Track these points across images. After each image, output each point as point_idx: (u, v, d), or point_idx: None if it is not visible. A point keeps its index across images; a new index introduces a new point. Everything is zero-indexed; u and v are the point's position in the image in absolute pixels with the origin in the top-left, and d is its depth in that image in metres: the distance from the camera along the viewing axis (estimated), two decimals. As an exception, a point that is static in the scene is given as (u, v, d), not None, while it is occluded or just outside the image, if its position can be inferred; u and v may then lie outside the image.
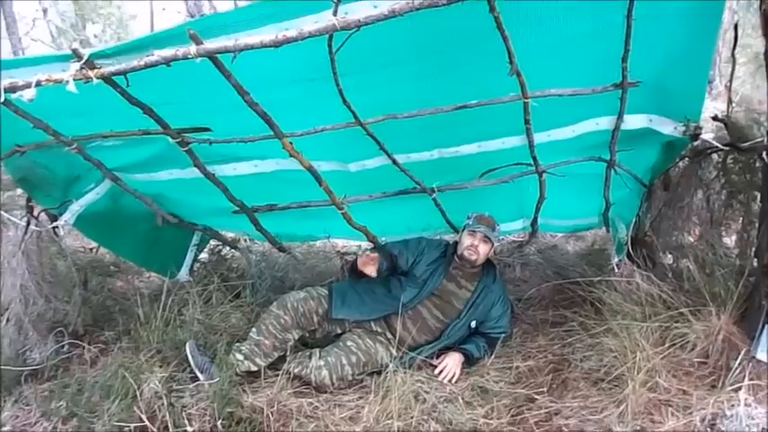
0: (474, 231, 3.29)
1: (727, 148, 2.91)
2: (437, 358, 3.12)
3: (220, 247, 4.50)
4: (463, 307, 3.25)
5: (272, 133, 2.75)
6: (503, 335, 3.30)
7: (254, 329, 3.07)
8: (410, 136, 2.97)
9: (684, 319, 2.73)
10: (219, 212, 3.76)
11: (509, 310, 3.45)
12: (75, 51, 2.12)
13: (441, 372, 3.02)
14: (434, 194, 3.45)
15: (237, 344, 3.08)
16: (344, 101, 2.51)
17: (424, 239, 3.51)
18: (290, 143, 2.86)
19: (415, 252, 3.40)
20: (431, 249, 3.42)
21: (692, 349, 2.62)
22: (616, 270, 3.31)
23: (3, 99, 2.18)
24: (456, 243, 3.44)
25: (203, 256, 4.53)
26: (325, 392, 2.91)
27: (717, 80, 10.89)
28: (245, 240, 4.63)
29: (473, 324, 3.25)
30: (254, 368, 2.97)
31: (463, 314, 3.23)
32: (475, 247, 3.27)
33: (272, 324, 3.04)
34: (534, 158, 3.11)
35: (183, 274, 4.22)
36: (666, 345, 2.66)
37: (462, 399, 2.78)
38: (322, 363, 2.92)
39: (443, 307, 3.23)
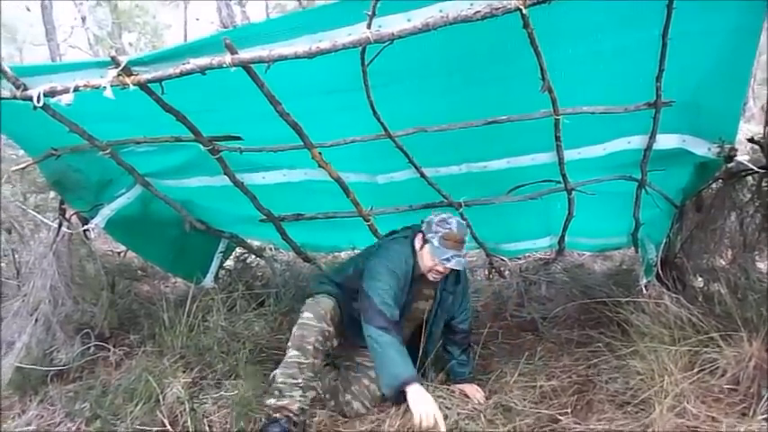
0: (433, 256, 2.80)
1: (762, 171, 2.85)
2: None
3: (246, 254, 4.54)
4: (429, 316, 3.01)
5: (302, 143, 2.78)
6: (468, 321, 3.19)
7: (296, 352, 2.67)
8: (439, 150, 2.97)
9: (714, 343, 2.67)
10: (246, 220, 3.79)
11: (468, 302, 3.25)
12: (113, 58, 2.17)
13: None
14: (461, 209, 3.44)
15: (287, 380, 2.64)
16: (375, 113, 2.52)
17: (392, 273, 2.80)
18: (320, 153, 2.89)
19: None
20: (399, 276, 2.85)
21: (722, 375, 2.55)
22: (644, 291, 3.25)
23: (42, 103, 2.24)
24: (413, 248, 2.90)
25: (229, 263, 4.57)
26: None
27: (751, 102, 10.72)
28: (271, 249, 4.66)
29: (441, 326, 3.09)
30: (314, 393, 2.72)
31: (432, 324, 3.01)
32: (441, 274, 2.87)
33: (318, 340, 2.71)
34: (564, 176, 3.08)
35: (209, 281, 4.26)
36: (695, 369, 2.60)
37: (485, 416, 2.74)
38: (350, 396, 2.83)
39: (415, 322, 3.05)
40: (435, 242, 2.76)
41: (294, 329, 2.75)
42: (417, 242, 2.87)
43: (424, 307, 3.02)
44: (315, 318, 2.74)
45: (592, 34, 2.34)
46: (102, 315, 3.55)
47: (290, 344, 2.72)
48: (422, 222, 2.91)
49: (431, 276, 2.86)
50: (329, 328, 2.77)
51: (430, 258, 2.80)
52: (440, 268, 2.80)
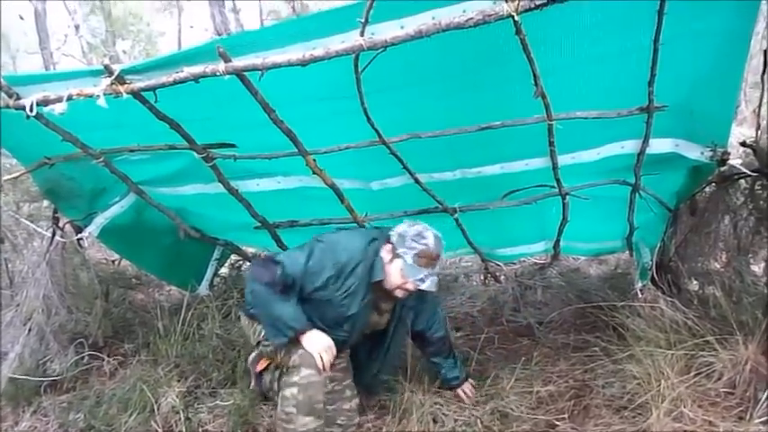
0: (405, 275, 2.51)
1: (755, 175, 2.87)
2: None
3: (241, 262, 4.52)
4: (387, 335, 2.84)
5: (297, 150, 2.78)
6: (443, 327, 3.01)
7: (308, 418, 2.39)
8: (433, 155, 2.97)
9: (710, 347, 2.68)
10: (241, 227, 3.78)
11: (438, 309, 3.04)
12: (106, 67, 2.16)
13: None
14: (456, 214, 3.43)
15: None
16: (369, 119, 2.52)
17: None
18: (314, 160, 2.88)
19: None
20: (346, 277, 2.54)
21: (719, 379, 2.57)
22: (640, 295, 3.26)
23: (35, 112, 2.23)
24: (375, 254, 2.57)
25: (223, 270, 4.55)
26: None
27: (743, 105, 10.78)
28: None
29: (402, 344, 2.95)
30: None
31: (390, 343, 2.85)
32: (409, 292, 2.58)
33: (325, 391, 2.48)
34: (558, 180, 3.08)
35: (203, 289, 4.24)
36: (692, 373, 2.61)
37: (481, 423, 2.74)
38: (339, 430, 2.64)
39: (366, 334, 2.85)
40: (409, 259, 2.48)
41: (293, 391, 2.39)
42: (386, 254, 2.56)
43: (380, 321, 2.79)
44: (316, 372, 2.40)
45: (584, 40, 2.34)
46: (96, 324, 3.54)
47: (293, 408, 2.38)
48: (391, 233, 2.61)
49: (397, 293, 2.58)
50: (329, 372, 2.51)
51: (400, 276, 2.51)
52: (410, 287, 2.53)
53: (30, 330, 3.24)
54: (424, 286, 2.48)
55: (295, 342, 2.43)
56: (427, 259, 2.49)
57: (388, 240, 2.58)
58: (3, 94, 2.37)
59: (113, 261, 4.70)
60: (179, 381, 3.05)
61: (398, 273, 2.51)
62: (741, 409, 2.43)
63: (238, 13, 12.74)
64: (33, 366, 3.20)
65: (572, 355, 3.32)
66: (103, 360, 3.38)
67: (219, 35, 10.94)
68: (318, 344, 2.43)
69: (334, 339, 2.49)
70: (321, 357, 2.40)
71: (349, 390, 2.72)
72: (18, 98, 2.34)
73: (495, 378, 3.14)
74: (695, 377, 2.59)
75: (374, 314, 2.74)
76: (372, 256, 2.56)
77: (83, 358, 3.37)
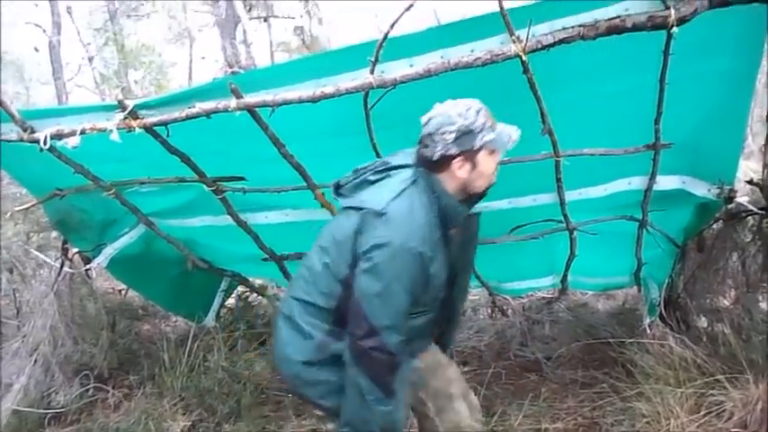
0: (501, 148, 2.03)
1: (762, 212, 2.87)
2: None
3: (248, 293, 4.52)
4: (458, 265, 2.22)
5: (306, 184, 2.80)
6: None
7: None
8: (440, 190, 2.98)
9: (720, 385, 2.65)
10: (248, 259, 3.79)
11: None
12: (120, 102, 2.20)
13: None
14: (463, 248, 3.43)
15: None
16: (378, 155, 2.54)
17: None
18: (323, 194, 2.91)
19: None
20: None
21: (729, 418, 2.53)
22: (648, 331, 3.23)
23: (48, 145, 2.27)
24: (431, 186, 1.98)
25: (230, 301, 4.55)
26: None
27: (750, 139, 10.79)
28: (273, 287, 4.64)
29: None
30: None
31: (460, 274, 2.29)
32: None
33: None
34: (565, 216, 3.09)
35: (210, 320, 4.23)
36: (702, 412, 2.58)
37: (489, 461, 2.70)
38: None
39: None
40: (490, 135, 1.94)
41: None
42: (461, 170, 1.97)
43: (452, 253, 2.14)
44: None
45: (591, 78, 2.38)
46: (101, 355, 3.53)
47: None
48: (442, 151, 1.93)
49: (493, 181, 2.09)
50: None
51: (492, 160, 2.01)
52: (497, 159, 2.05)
53: (35, 361, 3.24)
54: (516, 135, 2.01)
55: None
56: (491, 117, 1.98)
57: (449, 159, 1.96)
58: (17, 128, 2.41)
59: (120, 291, 4.71)
60: (184, 414, 3.03)
61: (490, 159, 2.00)
62: (753, 450, 2.39)
63: (249, 45, 12.94)
64: (38, 398, 3.18)
65: (580, 392, 3.28)
66: (108, 392, 3.36)
67: (230, 66, 11.12)
68: None
69: (434, 308, 2.12)
70: None
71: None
72: (32, 131, 2.38)
73: (503, 414, 3.10)
74: (705, 416, 2.55)
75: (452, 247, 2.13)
76: (436, 201, 2.00)
77: (88, 390, 3.35)
